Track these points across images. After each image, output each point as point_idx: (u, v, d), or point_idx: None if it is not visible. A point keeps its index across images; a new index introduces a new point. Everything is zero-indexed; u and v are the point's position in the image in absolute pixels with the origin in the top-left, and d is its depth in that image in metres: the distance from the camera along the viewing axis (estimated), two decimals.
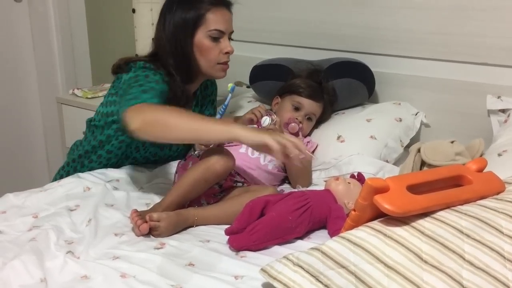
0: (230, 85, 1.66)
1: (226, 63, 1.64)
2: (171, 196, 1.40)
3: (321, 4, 2.04)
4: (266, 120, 1.65)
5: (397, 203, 0.99)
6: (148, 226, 1.30)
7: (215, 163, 1.40)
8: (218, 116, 1.66)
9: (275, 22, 2.17)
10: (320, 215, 1.32)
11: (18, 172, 2.91)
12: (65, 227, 1.34)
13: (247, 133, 1.30)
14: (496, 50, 1.67)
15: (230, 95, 1.65)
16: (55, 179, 1.75)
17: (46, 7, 2.78)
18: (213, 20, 1.58)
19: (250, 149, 1.62)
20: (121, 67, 1.59)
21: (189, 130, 1.34)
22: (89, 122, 1.71)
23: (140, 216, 1.32)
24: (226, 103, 1.65)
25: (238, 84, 1.76)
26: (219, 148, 1.46)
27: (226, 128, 1.32)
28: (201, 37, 1.58)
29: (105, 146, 1.67)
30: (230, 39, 1.64)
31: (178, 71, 1.59)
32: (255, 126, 1.70)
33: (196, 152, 1.58)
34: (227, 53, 1.62)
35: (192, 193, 1.42)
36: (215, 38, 1.59)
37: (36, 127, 2.99)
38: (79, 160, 1.71)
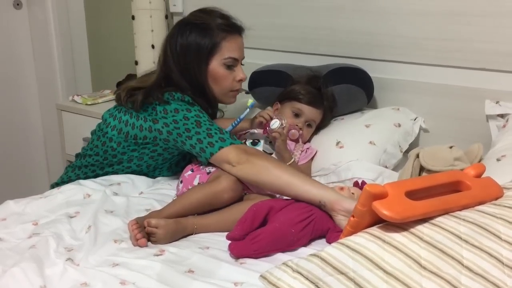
0: (250, 101, 1.66)
1: (238, 90, 1.66)
2: (171, 209, 1.40)
3: (320, 10, 2.05)
4: (275, 123, 1.63)
5: (395, 209, 0.99)
6: (146, 242, 1.29)
7: (224, 192, 1.40)
8: (230, 127, 1.64)
9: (274, 28, 2.17)
10: (323, 228, 1.31)
11: (18, 179, 2.92)
12: (65, 234, 1.34)
13: (341, 200, 1.30)
14: (494, 55, 1.68)
15: (248, 110, 1.64)
16: (61, 180, 1.75)
17: (46, 14, 2.79)
18: (228, 48, 1.59)
19: None
20: (154, 96, 1.55)
21: (283, 183, 1.38)
22: (100, 133, 1.67)
23: (139, 228, 1.30)
24: (242, 116, 1.63)
25: (242, 91, 1.77)
26: (230, 175, 1.44)
27: (318, 192, 1.33)
28: (215, 65, 1.59)
29: (125, 164, 1.67)
30: (241, 64, 1.65)
31: (197, 97, 1.59)
32: (259, 130, 1.70)
33: (206, 168, 1.56)
34: (240, 80, 1.64)
35: (194, 212, 1.41)
36: (229, 66, 1.60)
37: (36, 134, 2.99)
38: (91, 168, 1.70)
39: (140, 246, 1.28)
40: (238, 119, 1.64)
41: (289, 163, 1.62)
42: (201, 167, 1.57)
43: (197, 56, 1.58)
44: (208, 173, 1.52)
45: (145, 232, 1.32)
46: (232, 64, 1.61)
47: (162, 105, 1.54)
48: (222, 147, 1.47)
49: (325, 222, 1.31)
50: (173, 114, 1.52)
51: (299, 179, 1.38)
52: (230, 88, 1.64)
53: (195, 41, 1.57)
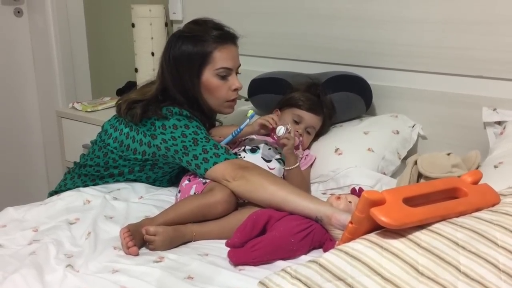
0: (250, 112, 1.65)
1: (234, 99, 1.65)
2: (164, 217, 1.39)
3: (318, 18, 2.06)
4: (281, 130, 1.62)
5: (393, 216, 1.00)
6: (137, 250, 1.29)
7: (218, 204, 1.40)
8: (230, 137, 1.64)
9: (273, 36, 2.19)
10: (321, 238, 1.31)
11: (18, 186, 2.92)
12: (64, 240, 1.35)
13: (337, 214, 1.29)
14: (491, 63, 1.69)
15: (248, 120, 1.63)
16: (59, 188, 1.74)
17: (46, 21, 2.81)
18: (220, 58, 1.57)
19: None
20: (153, 111, 1.55)
21: (280, 199, 1.38)
22: (102, 144, 1.67)
23: (131, 236, 1.30)
24: (242, 127, 1.62)
25: (239, 99, 1.78)
26: (225, 187, 1.45)
27: (315, 207, 1.33)
28: (208, 76, 1.58)
29: (125, 176, 1.68)
30: (237, 73, 1.64)
31: (195, 110, 1.59)
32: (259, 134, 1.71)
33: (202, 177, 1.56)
34: (235, 89, 1.63)
35: (186, 222, 1.40)
36: (223, 76, 1.59)
37: (35, 141, 3.00)
38: (91, 177, 1.70)
39: (132, 254, 1.28)
40: (238, 129, 1.63)
41: (294, 166, 1.62)
42: (198, 177, 1.57)
43: (188, 68, 1.57)
44: (204, 183, 1.52)
45: (140, 240, 1.32)
46: (225, 74, 1.59)
47: (161, 121, 1.54)
48: (217, 163, 1.48)
49: (324, 233, 1.31)
50: (171, 131, 1.53)
51: (295, 195, 1.37)
52: (226, 98, 1.63)
53: (186, 52, 1.56)
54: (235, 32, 1.64)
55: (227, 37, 1.60)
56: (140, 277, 1.16)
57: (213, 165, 1.48)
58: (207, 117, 1.66)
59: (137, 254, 1.29)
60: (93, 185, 1.69)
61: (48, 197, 1.68)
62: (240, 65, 1.66)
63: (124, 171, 1.66)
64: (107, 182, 1.69)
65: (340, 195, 1.41)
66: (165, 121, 1.54)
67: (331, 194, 1.55)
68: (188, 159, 1.52)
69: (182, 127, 1.53)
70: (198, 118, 1.59)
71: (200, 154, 1.50)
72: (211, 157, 1.49)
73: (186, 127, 1.53)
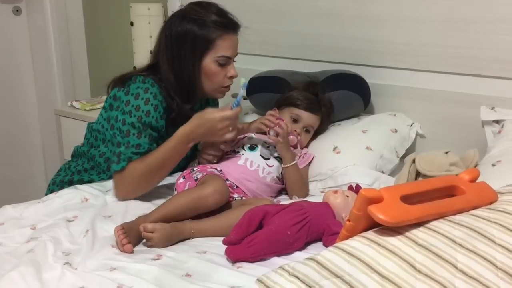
0: (242, 80, 1.58)
1: (228, 86, 1.67)
2: (158, 213, 1.39)
3: (317, 17, 2.06)
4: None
5: (391, 213, 1.00)
6: (132, 247, 1.29)
7: (209, 196, 1.39)
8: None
9: (272, 34, 2.19)
10: (318, 230, 1.32)
11: (16, 184, 2.92)
12: (63, 238, 1.35)
13: (189, 127, 1.51)
14: (489, 62, 1.69)
15: (242, 91, 1.58)
16: (54, 183, 1.76)
17: (45, 20, 2.81)
18: (222, 46, 1.59)
19: (249, 162, 1.62)
20: (118, 83, 1.61)
21: (162, 168, 1.55)
22: (91, 128, 1.74)
23: (125, 234, 1.30)
24: (238, 98, 1.57)
25: (235, 96, 1.76)
26: (217, 178, 1.46)
27: (175, 137, 1.52)
28: (208, 62, 1.60)
29: (103, 166, 1.69)
30: (234, 61, 1.65)
31: (177, 91, 1.60)
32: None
33: (194, 174, 1.57)
34: (231, 77, 1.64)
35: (180, 217, 1.40)
36: (222, 64, 1.61)
37: (34, 139, 3.00)
38: (84, 168, 1.72)
39: (127, 252, 1.28)
40: (236, 102, 1.57)
41: (291, 164, 1.63)
42: (191, 174, 1.57)
43: (191, 50, 1.58)
44: (195, 180, 1.53)
45: (135, 237, 1.32)
46: (225, 62, 1.61)
47: (119, 93, 1.59)
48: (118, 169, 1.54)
49: (321, 223, 1.32)
50: (122, 107, 1.56)
51: (162, 150, 1.53)
52: (221, 84, 1.65)
53: (191, 34, 1.57)
54: (238, 21, 1.65)
55: (230, 26, 1.61)
56: (138, 274, 1.16)
57: (115, 170, 1.54)
58: (187, 99, 1.64)
59: (132, 252, 1.29)
60: (79, 177, 1.71)
61: (45, 194, 1.69)
62: (237, 54, 1.67)
63: (106, 152, 1.68)
64: (92, 175, 1.71)
65: (337, 189, 1.42)
66: (122, 93, 1.58)
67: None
68: (110, 148, 1.59)
69: (133, 107, 1.54)
70: (171, 98, 1.60)
71: (115, 151, 1.55)
72: (117, 160, 1.54)
73: (137, 109, 1.54)
